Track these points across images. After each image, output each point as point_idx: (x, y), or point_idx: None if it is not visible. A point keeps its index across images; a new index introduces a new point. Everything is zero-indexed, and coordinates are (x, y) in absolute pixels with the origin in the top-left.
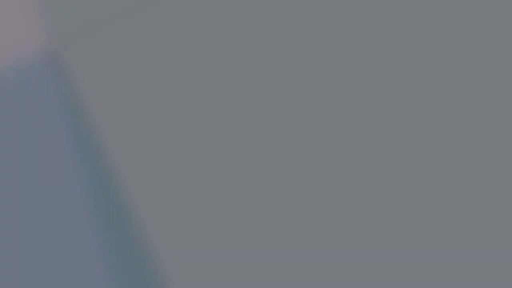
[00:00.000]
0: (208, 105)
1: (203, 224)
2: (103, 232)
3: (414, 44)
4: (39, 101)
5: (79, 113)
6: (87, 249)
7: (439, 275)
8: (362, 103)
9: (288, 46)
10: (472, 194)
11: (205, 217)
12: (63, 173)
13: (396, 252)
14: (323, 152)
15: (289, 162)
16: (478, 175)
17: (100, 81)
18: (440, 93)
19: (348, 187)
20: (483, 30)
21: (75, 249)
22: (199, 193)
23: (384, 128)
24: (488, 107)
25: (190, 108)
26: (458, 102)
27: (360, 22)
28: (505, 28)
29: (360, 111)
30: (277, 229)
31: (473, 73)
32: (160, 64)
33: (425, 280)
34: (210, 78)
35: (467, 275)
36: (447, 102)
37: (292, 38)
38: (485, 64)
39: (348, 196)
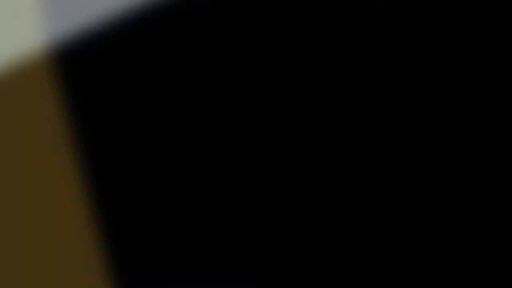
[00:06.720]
0: (209, 110)
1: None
2: (101, 231)
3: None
4: (39, 101)
5: (78, 113)
6: (86, 248)
7: (438, 275)
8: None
9: (289, 51)
10: (471, 194)
11: (203, 219)
12: (63, 173)
13: (395, 252)
14: (318, 150)
15: (290, 168)
16: (477, 176)
17: (100, 81)
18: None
19: (347, 189)
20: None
21: (73, 248)
22: (198, 194)
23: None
24: (488, 109)
25: (189, 111)
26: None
27: (360, 25)
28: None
29: (360, 113)
30: (276, 230)
31: (473, 74)
32: (161, 67)
33: (425, 280)
34: (212, 83)
35: (467, 275)
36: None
37: (292, 39)
38: (485, 64)
39: (347, 196)
